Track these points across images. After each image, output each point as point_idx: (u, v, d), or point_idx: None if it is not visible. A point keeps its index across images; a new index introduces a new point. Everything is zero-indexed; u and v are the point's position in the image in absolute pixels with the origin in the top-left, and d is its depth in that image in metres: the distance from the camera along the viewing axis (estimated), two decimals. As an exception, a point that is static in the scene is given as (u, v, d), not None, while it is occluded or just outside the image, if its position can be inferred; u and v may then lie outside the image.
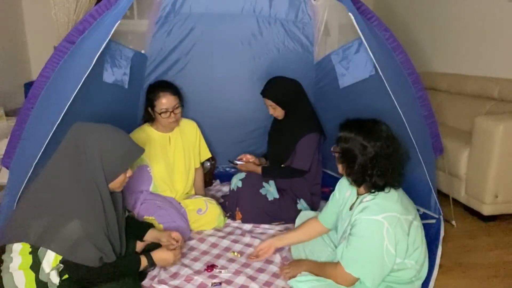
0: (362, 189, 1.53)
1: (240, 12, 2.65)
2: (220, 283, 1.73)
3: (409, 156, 1.51)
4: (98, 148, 1.44)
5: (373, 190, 1.47)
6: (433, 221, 2.21)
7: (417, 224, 1.49)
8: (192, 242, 2.09)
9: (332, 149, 1.57)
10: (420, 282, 1.59)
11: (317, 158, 2.31)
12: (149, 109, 2.24)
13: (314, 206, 2.38)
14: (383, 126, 1.49)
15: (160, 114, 2.18)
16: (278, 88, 2.29)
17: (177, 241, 1.79)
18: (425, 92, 2.20)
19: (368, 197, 1.47)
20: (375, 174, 1.44)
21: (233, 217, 2.35)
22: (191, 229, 2.20)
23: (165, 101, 2.17)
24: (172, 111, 2.19)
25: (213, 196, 2.59)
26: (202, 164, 2.59)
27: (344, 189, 1.68)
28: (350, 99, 2.47)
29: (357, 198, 1.55)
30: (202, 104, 2.80)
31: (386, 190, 1.47)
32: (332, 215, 1.74)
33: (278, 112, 2.31)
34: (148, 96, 2.23)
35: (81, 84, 1.58)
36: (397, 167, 1.47)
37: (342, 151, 1.50)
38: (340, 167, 1.57)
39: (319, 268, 1.61)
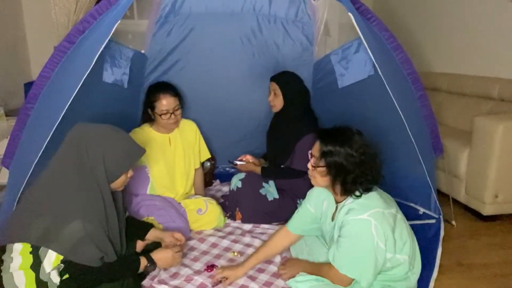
0: (339, 196, 1.54)
1: (240, 11, 2.65)
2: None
3: (381, 153, 1.53)
4: (100, 148, 1.44)
5: (358, 194, 1.48)
6: (433, 221, 2.21)
7: (401, 217, 1.52)
8: (192, 242, 2.09)
9: (312, 164, 1.53)
10: (415, 277, 1.59)
11: (317, 158, 2.31)
12: (149, 111, 2.24)
13: (314, 206, 2.38)
14: (357, 131, 1.51)
15: (160, 115, 2.18)
16: (290, 77, 2.31)
17: (179, 242, 1.79)
18: (425, 92, 2.20)
19: (349, 200, 1.49)
20: (365, 180, 1.46)
21: (233, 217, 2.35)
22: (191, 229, 2.20)
23: (166, 102, 2.17)
24: (173, 113, 2.19)
25: (213, 196, 2.59)
26: (202, 164, 2.59)
27: (319, 202, 1.69)
28: (350, 99, 2.47)
29: (337, 206, 1.56)
30: (202, 104, 2.80)
31: (374, 189, 1.50)
32: (302, 223, 1.75)
33: (277, 102, 2.31)
34: (148, 97, 2.23)
35: (81, 84, 1.58)
36: (379, 168, 1.50)
37: (329, 165, 1.48)
38: (324, 181, 1.53)
39: (316, 269, 1.61)
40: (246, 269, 1.76)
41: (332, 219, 1.58)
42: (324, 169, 1.50)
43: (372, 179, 1.48)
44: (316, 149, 1.53)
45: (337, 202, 1.57)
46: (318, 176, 1.54)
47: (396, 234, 1.45)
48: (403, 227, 1.51)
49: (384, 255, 1.43)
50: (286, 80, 2.29)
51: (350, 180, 1.46)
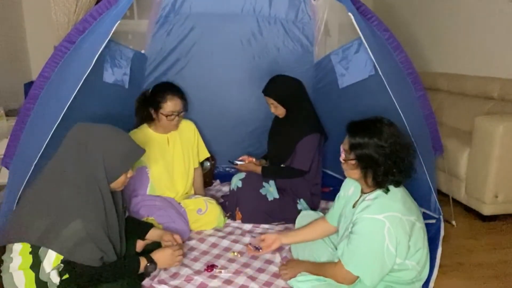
0: (367, 187, 1.52)
1: (240, 12, 2.65)
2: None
3: (414, 146, 1.51)
4: (100, 149, 1.44)
5: (388, 189, 1.45)
6: (433, 221, 2.21)
7: (420, 226, 1.48)
8: (192, 242, 2.09)
9: (343, 157, 1.52)
10: (420, 283, 1.58)
11: (317, 158, 2.31)
12: (152, 110, 2.22)
13: (314, 206, 2.38)
14: (388, 121, 1.48)
15: (166, 116, 2.18)
16: (280, 86, 2.27)
17: (177, 242, 1.79)
18: (425, 92, 2.20)
19: (371, 195, 1.47)
20: (397, 171, 1.43)
21: (233, 217, 2.35)
22: (191, 229, 2.20)
23: (173, 104, 2.17)
24: (177, 115, 2.20)
25: (213, 196, 2.59)
26: (202, 164, 2.59)
27: (347, 187, 1.68)
28: (350, 99, 2.48)
29: (361, 196, 1.55)
30: (202, 104, 2.81)
31: (402, 188, 1.48)
32: (338, 214, 1.73)
33: (279, 111, 2.31)
34: (155, 97, 2.20)
35: (81, 84, 1.58)
36: (412, 159, 1.47)
37: (359, 158, 1.46)
38: (355, 173, 1.51)
39: (318, 268, 1.61)
40: (291, 240, 1.86)
41: (353, 206, 1.57)
42: (354, 162, 1.47)
43: (405, 171, 1.44)
44: (345, 142, 1.51)
45: (362, 192, 1.56)
46: (349, 170, 1.52)
47: (411, 242, 1.43)
48: (420, 236, 1.47)
49: (393, 259, 1.41)
50: (277, 90, 2.26)
51: (381, 172, 1.43)
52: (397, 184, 1.46)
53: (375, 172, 1.44)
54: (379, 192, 1.46)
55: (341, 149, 1.54)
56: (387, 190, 1.45)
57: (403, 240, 1.40)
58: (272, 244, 1.81)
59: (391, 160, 1.42)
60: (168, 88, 2.22)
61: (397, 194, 1.46)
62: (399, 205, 1.42)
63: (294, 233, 1.89)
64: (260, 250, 1.84)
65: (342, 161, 1.53)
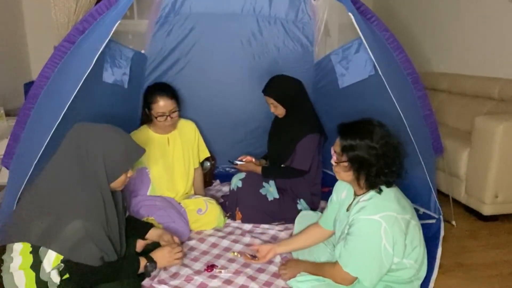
0: (360, 189, 1.52)
1: (240, 12, 2.65)
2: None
3: (404, 145, 1.51)
4: (100, 148, 1.44)
5: (380, 189, 1.46)
6: (433, 221, 2.21)
7: (415, 223, 1.49)
8: (192, 242, 2.09)
9: (335, 160, 1.52)
10: (419, 282, 1.59)
11: (317, 158, 2.31)
12: (147, 111, 2.23)
13: (314, 206, 2.38)
14: (378, 122, 1.49)
15: (156, 117, 2.18)
16: (280, 86, 2.28)
17: (175, 241, 1.80)
18: (425, 92, 2.21)
19: (365, 196, 1.47)
20: (389, 172, 1.43)
21: (233, 217, 2.35)
22: (191, 229, 2.20)
23: (162, 104, 2.16)
24: (169, 115, 2.19)
25: (213, 196, 2.59)
26: (202, 164, 2.59)
27: (340, 191, 1.68)
28: (350, 99, 2.48)
29: (354, 198, 1.55)
30: (202, 104, 2.81)
31: (394, 187, 1.48)
32: (332, 218, 1.73)
33: (279, 111, 2.31)
34: (146, 98, 2.22)
35: (81, 84, 1.58)
36: (403, 159, 1.47)
37: (351, 160, 1.46)
38: (347, 175, 1.51)
39: (317, 268, 1.61)
40: (287, 249, 1.86)
41: (347, 209, 1.57)
42: (346, 164, 1.47)
43: (396, 171, 1.45)
44: (336, 144, 1.51)
45: (355, 195, 1.56)
46: (342, 172, 1.52)
47: (408, 240, 1.44)
48: (416, 234, 1.48)
49: (391, 259, 1.41)
50: (277, 90, 2.25)
51: (374, 172, 1.43)
52: (388, 185, 1.46)
53: (367, 174, 1.45)
54: (372, 193, 1.46)
55: (332, 152, 1.54)
56: (380, 191, 1.46)
57: (399, 239, 1.40)
58: (267, 254, 1.82)
59: (383, 160, 1.42)
60: (157, 89, 2.22)
61: (390, 193, 1.46)
62: (394, 205, 1.43)
63: (289, 241, 1.89)
64: (256, 259, 1.84)
65: (334, 164, 1.53)
